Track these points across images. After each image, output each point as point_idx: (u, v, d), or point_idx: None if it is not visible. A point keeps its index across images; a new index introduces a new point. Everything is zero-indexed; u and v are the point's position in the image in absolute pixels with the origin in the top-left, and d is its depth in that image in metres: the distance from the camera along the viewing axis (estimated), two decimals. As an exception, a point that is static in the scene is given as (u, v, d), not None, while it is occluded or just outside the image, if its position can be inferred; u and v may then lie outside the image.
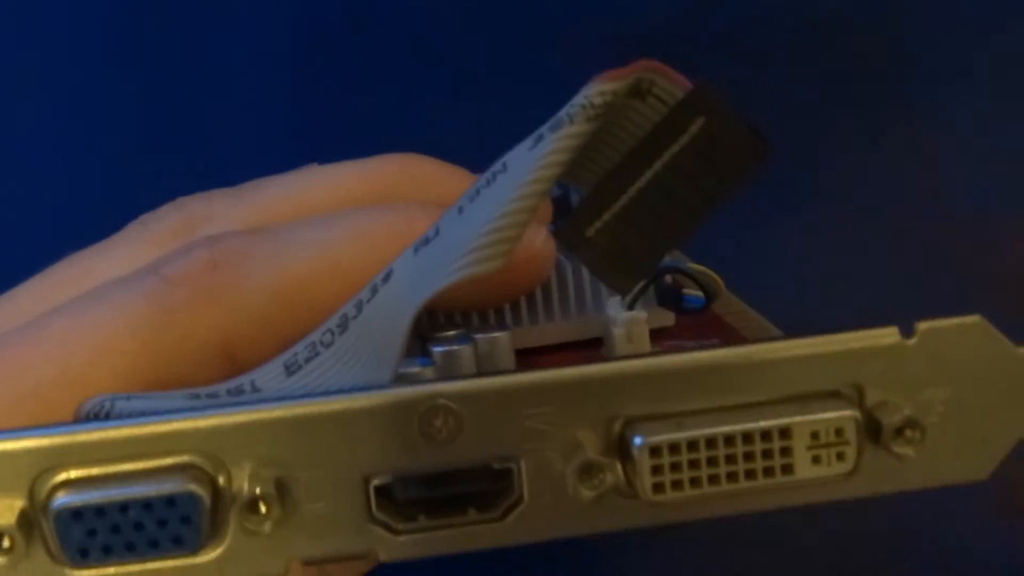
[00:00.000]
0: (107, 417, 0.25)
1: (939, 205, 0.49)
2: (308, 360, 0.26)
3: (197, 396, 0.26)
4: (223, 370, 0.29)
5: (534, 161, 0.23)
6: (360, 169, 0.33)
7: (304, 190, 0.33)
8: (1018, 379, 0.23)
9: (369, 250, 0.29)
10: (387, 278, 0.26)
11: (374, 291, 0.26)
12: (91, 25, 0.48)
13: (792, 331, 0.30)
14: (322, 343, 0.26)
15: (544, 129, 0.24)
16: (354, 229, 0.30)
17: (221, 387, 0.26)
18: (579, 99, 0.23)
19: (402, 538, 0.23)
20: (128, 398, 0.25)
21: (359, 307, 0.26)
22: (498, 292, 0.30)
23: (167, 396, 0.26)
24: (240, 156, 0.41)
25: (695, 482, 0.22)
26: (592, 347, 0.30)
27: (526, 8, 0.46)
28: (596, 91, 0.23)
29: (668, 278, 0.31)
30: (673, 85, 0.23)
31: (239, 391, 0.26)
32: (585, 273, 0.31)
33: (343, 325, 0.26)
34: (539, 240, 0.28)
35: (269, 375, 0.26)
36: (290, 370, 0.26)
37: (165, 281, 0.29)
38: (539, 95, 0.42)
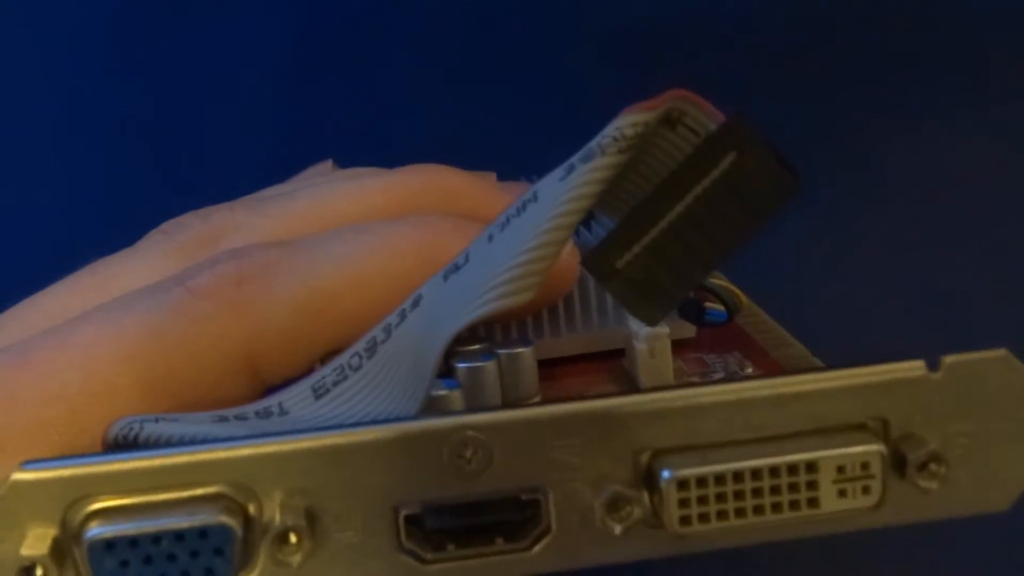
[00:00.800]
0: (135, 440, 0.25)
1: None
2: (336, 384, 0.26)
3: (225, 419, 0.26)
4: (247, 382, 0.29)
5: (565, 192, 0.23)
6: (384, 181, 0.33)
7: (328, 202, 0.33)
8: None
9: (394, 264, 0.29)
10: (416, 304, 0.26)
11: (403, 316, 0.26)
12: (107, 38, 0.48)
13: (810, 344, 0.30)
14: (350, 366, 0.26)
15: (575, 159, 0.23)
16: (379, 243, 0.30)
17: (249, 409, 0.26)
18: (610, 130, 0.23)
19: (431, 567, 0.23)
20: (156, 420, 0.25)
21: (388, 331, 0.26)
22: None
23: (194, 419, 0.26)
24: (249, 161, 0.41)
25: (722, 515, 0.22)
26: (613, 358, 0.30)
27: (528, 12, 0.46)
28: (628, 123, 0.23)
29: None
30: (705, 116, 0.23)
31: (267, 413, 0.26)
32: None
33: (371, 349, 0.26)
34: (564, 253, 0.28)
35: (297, 397, 0.26)
36: (318, 393, 0.26)
37: (191, 293, 0.29)
38: (540, 98, 0.42)
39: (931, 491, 0.23)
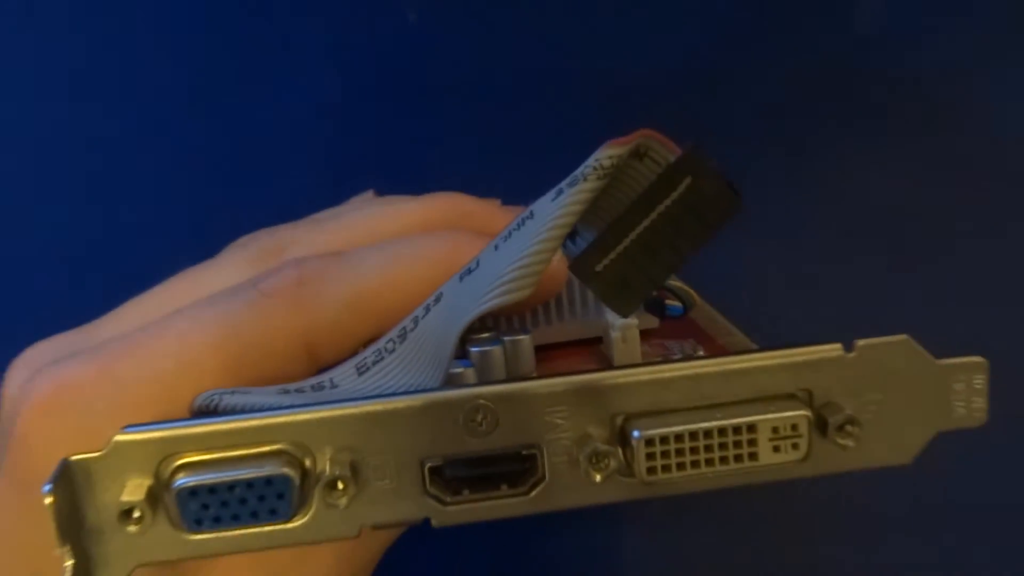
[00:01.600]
0: (216, 408, 0.26)
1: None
2: (375, 363, 0.26)
3: (287, 391, 0.26)
4: (304, 363, 0.29)
5: (555, 211, 0.23)
6: (414, 205, 0.33)
7: (371, 221, 0.33)
8: (936, 386, 0.23)
9: (422, 269, 0.29)
10: (438, 300, 0.26)
11: (427, 310, 0.26)
12: (193, 89, 0.48)
13: (751, 332, 0.30)
14: (386, 349, 0.26)
15: (563, 184, 0.24)
16: (410, 253, 0.30)
17: (306, 383, 0.26)
18: (591, 161, 0.24)
19: (449, 508, 0.23)
20: (232, 392, 0.26)
21: (415, 322, 0.26)
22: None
23: (263, 392, 0.26)
24: (307, 190, 0.40)
25: (680, 466, 0.22)
26: (593, 344, 0.30)
27: (521, 79, 0.46)
28: (605, 155, 0.23)
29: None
30: (666, 150, 0.23)
31: (320, 387, 0.26)
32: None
33: (403, 336, 0.26)
34: (555, 261, 0.29)
35: (344, 374, 0.26)
36: (360, 371, 0.26)
37: (262, 293, 0.29)
38: (535, 143, 0.42)
39: (848, 448, 0.23)
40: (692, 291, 0.31)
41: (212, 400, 0.26)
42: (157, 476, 0.22)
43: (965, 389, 0.23)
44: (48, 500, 0.21)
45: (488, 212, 0.34)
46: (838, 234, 0.46)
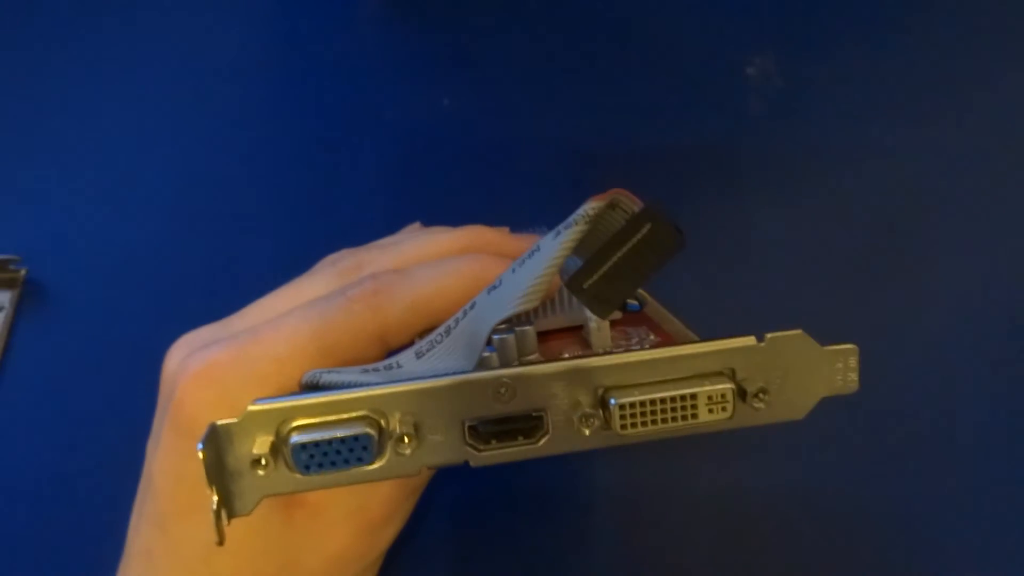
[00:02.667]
0: (318, 384, 0.27)
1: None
2: (429, 351, 0.27)
3: (367, 371, 0.27)
4: (378, 349, 0.30)
5: (556, 248, 0.25)
6: (451, 235, 0.34)
7: (421, 247, 0.34)
8: (821, 365, 0.24)
9: (460, 280, 0.30)
10: (472, 306, 0.27)
11: (465, 313, 0.27)
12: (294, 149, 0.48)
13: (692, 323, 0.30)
14: (436, 341, 0.27)
15: (561, 227, 0.25)
16: (453, 269, 0.31)
17: (380, 364, 0.27)
18: (580, 211, 0.25)
19: (482, 454, 0.24)
20: (328, 372, 0.27)
21: (456, 322, 0.27)
22: None
23: (350, 371, 0.27)
24: (372, 223, 0.40)
25: (644, 423, 0.24)
26: (576, 330, 0.31)
27: (529, 145, 0.46)
28: (590, 206, 0.25)
29: None
30: (631, 201, 0.24)
31: (390, 367, 0.27)
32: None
33: (448, 331, 0.27)
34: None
35: (406, 358, 0.27)
36: (418, 356, 0.27)
37: (348, 299, 0.30)
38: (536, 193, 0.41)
39: (760, 409, 0.24)
40: (645, 293, 0.32)
41: (315, 377, 0.27)
42: (278, 435, 0.23)
43: (843, 367, 0.24)
44: (200, 455, 0.22)
45: (502, 239, 0.35)
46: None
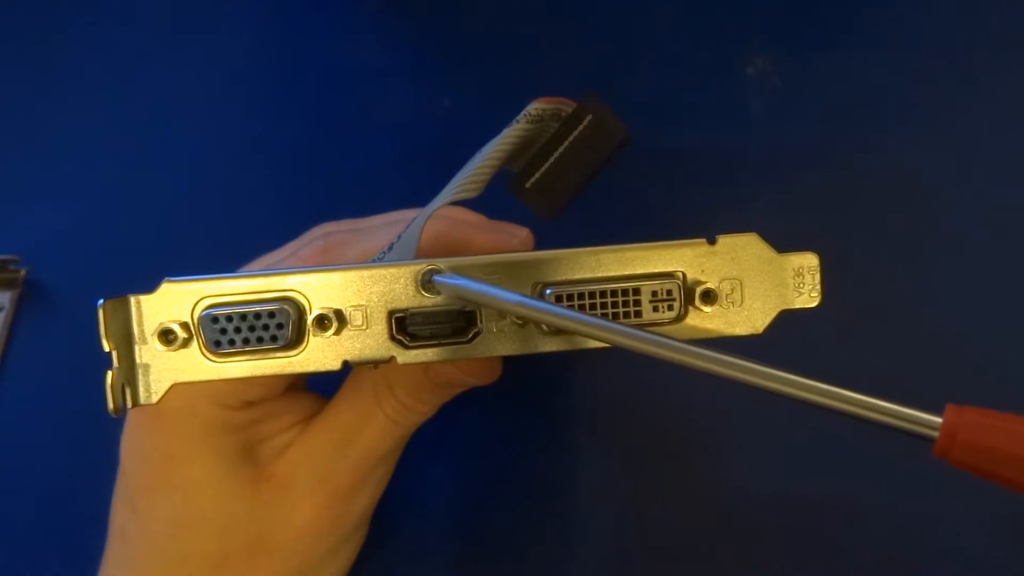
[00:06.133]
0: None
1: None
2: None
3: None
4: None
5: (499, 140, 0.25)
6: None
7: (387, 215, 0.34)
8: (779, 274, 0.24)
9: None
10: (413, 220, 0.26)
11: (406, 227, 0.27)
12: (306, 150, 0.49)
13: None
14: (379, 258, 0.27)
15: (505, 128, 0.25)
16: (401, 225, 0.30)
17: None
18: (524, 111, 0.25)
19: (410, 351, 0.23)
20: None
21: (399, 237, 0.27)
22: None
23: None
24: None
25: None
26: None
27: None
28: (535, 107, 0.25)
29: None
30: (568, 106, 0.25)
31: None
32: None
33: (391, 247, 0.27)
34: (519, 239, 0.30)
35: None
36: None
37: (299, 258, 0.30)
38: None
39: (709, 314, 0.24)
40: None
41: None
42: (192, 312, 0.23)
43: (802, 279, 0.24)
44: (100, 311, 0.22)
45: (475, 217, 0.34)
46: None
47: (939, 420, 0.19)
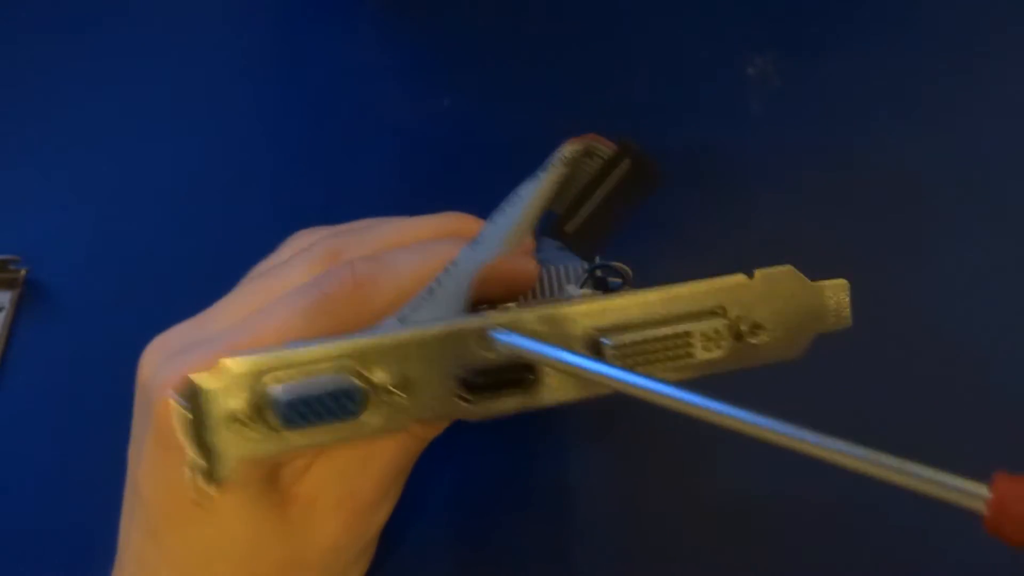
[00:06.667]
0: None
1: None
2: (412, 314, 0.26)
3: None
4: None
5: (535, 190, 0.25)
6: (429, 219, 0.34)
7: (399, 230, 0.33)
8: (813, 301, 0.25)
9: (432, 265, 0.29)
10: (455, 265, 0.27)
11: (447, 272, 0.27)
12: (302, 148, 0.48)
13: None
14: (419, 304, 0.27)
15: (538, 171, 0.26)
16: (432, 254, 0.30)
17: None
18: (557, 155, 0.26)
19: (475, 407, 0.24)
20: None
21: (439, 283, 0.27)
22: (513, 291, 0.30)
23: (323, 340, 0.25)
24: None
25: (639, 364, 0.24)
26: None
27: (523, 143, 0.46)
28: (567, 149, 0.26)
29: (598, 272, 0.32)
30: (605, 146, 0.25)
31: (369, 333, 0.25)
32: (552, 273, 0.32)
33: (431, 292, 0.27)
34: (531, 266, 0.29)
35: (390, 325, 0.27)
36: (402, 321, 0.27)
37: (329, 299, 0.29)
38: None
39: (756, 345, 0.24)
40: (627, 269, 0.31)
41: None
42: (256, 391, 0.22)
43: (834, 303, 0.25)
44: (178, 413, 0.22)
45: (477, 224, 0.33)
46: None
47: (986, 492, 0.18)
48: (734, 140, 0.46)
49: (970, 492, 0.18)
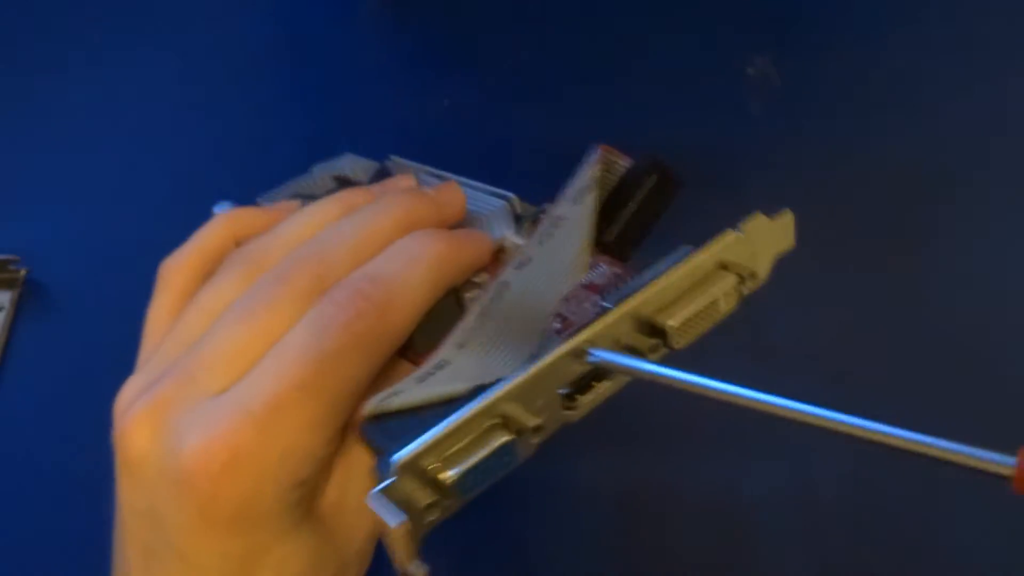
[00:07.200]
0: (391, 412, 0.26)
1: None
2: (471, 338, 0.27)
3: (423, 380, 0.26)
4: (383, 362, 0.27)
5: (586, 215, 0.28)
6: (385, 214, 0.30)
7: (365, 232, 0.30)
8: (774, 233, 0.28)
9: (441, 273, 0.28)
10: (506, 286, 0.28)
11: (499, 294, 0.27)
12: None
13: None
14: (476, 327, 0.27)
15: (572, 193, 0.28)
16: (427, 266, 0.28)
17: (426, 370, 0.26)
18: (586, 177, 0.28)
19: (576, 411, 0.26)
20: (387, 396, 0.26)
21: (491, 302, 0.27)
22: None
23: (408, 388, 0.26)
24: None
25: (693, 329, 0.26)
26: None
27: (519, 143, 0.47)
28: (594, 171, 0.28)
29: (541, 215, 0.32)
30: (618, 157, 0.28)
31: (441, 367, 0.26)
32: (483, 224, 0.32)
33: (486, 314, 0.27)
34: (489, 241, 0.30)
35: (451, 352, 0.27)
36: (461, 346, 0.27)
37: (358, 336, 0.26)
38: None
39: (750, 285, 0.27)
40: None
41: (380, 408, 0.26)
42: (425, 475, 0.24)
43: (786, 231, 0.28)
44: (400, 527, 0.22)
45: (428, 209, 0.31)
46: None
47: (1013, 462, 0.19)
48: (734, 140, 0.46)
49: (998, 461, 0.19)
